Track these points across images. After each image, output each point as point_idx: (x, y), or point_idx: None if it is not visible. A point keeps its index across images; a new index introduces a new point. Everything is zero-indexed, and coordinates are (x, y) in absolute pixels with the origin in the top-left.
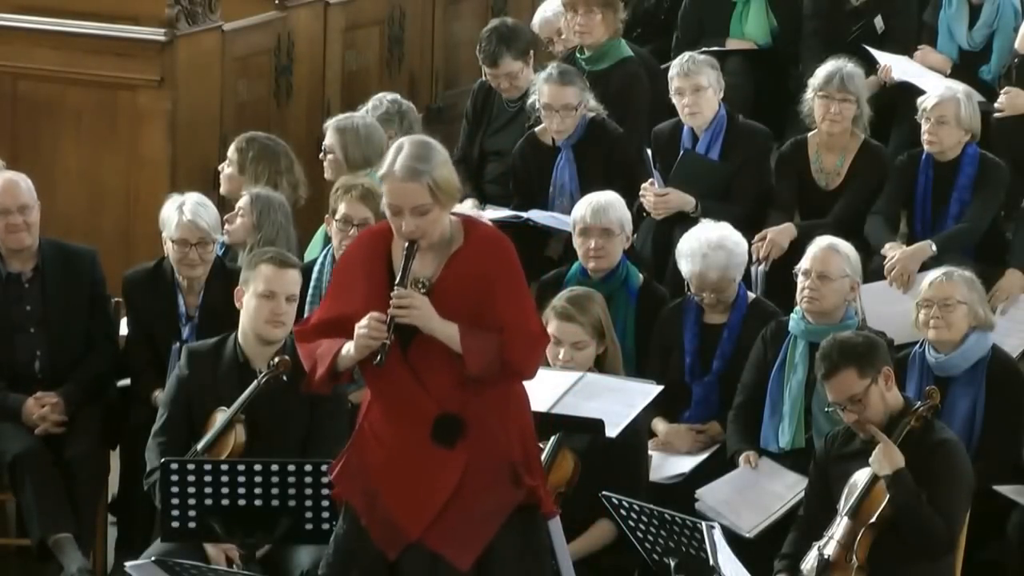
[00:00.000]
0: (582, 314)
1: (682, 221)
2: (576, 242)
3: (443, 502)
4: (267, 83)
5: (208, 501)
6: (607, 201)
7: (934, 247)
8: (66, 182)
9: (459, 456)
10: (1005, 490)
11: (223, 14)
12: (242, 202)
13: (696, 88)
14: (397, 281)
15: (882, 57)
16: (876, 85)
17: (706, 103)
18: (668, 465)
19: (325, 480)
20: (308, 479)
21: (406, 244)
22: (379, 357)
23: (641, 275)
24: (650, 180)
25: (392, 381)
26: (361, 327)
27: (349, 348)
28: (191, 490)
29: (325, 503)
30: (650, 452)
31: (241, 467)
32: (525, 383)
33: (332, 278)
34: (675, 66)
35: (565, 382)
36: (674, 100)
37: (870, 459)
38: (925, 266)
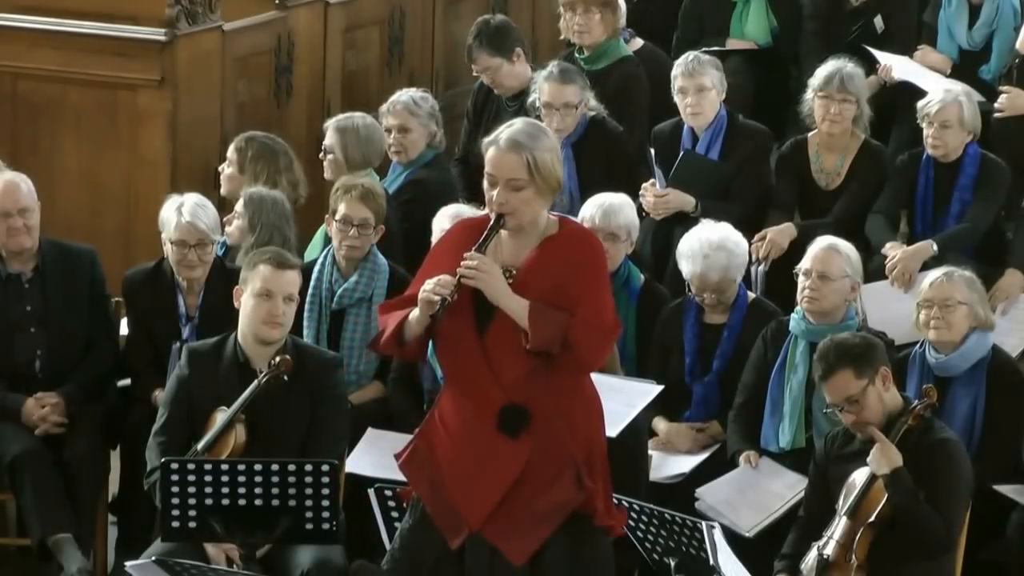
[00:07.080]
0: None
1: (682, 221)
2: None
3: (503, 492)
4: (267, 83)
5: (208, 501)
6: (617, 204)
7: (935, 247)
8: (66, 182)
9: (522, 447)
10: (1005, 490)
11: (223, 14)
12: (238, 204)
13: (700, 88)
14: (475, 247)
15: (882, 57)
16: (876, 85)
17: (709, 104)
18: (668, 465)
19: (325, 478)
20: (308, 479)
21: (494, 216)
22: (438, 310)
23: (642, 275)
24: (651, 180)
25: (465, 364)
26: (428, 283)
27: (416, 312)
28: (191, 490)
29: (325, 503)
30: (650, 452)
31: (241, 467)
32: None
33: (426, 258)
34: (679, 65)
35: None
36: (676, 99)
37: (868, 458)
38: (926, 266)
